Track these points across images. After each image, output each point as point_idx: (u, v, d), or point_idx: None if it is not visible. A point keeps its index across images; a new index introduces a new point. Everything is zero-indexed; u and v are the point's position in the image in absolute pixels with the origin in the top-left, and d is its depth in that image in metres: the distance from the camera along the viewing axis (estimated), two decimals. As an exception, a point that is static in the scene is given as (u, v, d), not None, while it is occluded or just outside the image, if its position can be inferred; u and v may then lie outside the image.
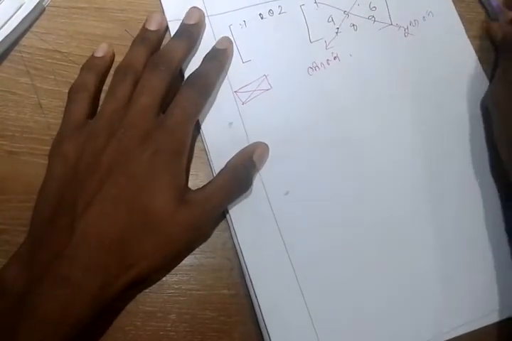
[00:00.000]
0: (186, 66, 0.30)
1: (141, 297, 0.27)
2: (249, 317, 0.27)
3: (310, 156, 0.29)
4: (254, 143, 0.29)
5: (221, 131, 0.29)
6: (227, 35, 0.30)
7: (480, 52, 0.32)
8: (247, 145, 0.29)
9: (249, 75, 0.30)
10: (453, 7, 0.33)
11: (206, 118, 0.29)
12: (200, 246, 0.28)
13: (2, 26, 0.29)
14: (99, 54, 0.30)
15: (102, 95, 0.30)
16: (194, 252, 0.28)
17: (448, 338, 0.28)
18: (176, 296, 0.28)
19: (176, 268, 0.28)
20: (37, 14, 0.31)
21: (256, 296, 0.27)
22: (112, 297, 0.24)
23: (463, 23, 0.33)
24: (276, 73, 0.30)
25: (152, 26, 0.30)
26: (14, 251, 0.25)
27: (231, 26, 0.31)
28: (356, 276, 0.28)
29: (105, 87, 0.30)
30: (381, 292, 0.28)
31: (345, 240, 0.28)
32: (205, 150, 0.29)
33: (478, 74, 0.32)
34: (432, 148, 0.30)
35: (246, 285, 0.27)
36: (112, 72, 0.30)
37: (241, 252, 0.27)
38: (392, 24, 0.32)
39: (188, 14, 0.30)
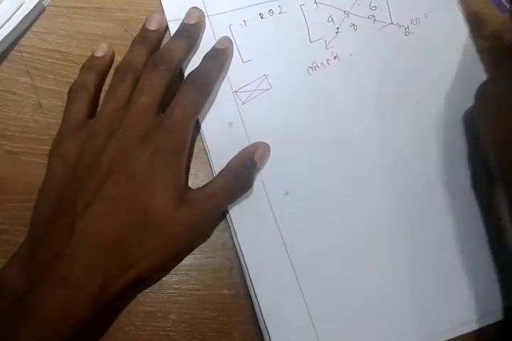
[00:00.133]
0: (186, 65, 0.30)
1: (141, 297, 0.27)
2: (249, 317, 0.27)
3: (310, 156, 0.29)
4: (256, 143, 0.29)
5: (221, 131, 0.29)
6: (227, 35, 0.30)
7: (481, 50, 0.32)
8: (247, 145, 0.29)
9: (249, 75, 0.30)
10: (454, 5, 0.33)
11: (206, 118, 0.29)
12: (200, 246, 0.28)
13: (2, 26, 0.29)
14: (99, 54, 0.30)
15: (102, 95, 0.30)
16: (194, 252, 0.28)
17: (448, 338, 0.28)
18: (176, 296, 0.28)
19: (175, 268, 0.28)
20: (37, 14, 0.31)
21: (256, 296, 0.27)
22: (112, 297, 0.24)
23: (464, 21, 0.32)
24: (276, 73, 0.30)
25: (152, 26, 0.29)
26: (14, 251, 0.25)
27: (231, 26, 0.31)
28: (356, 276, 0.28)
29: (105, 87, 0.30)
30: (381, 292, 0.28)
31: (345, 240, 0.28)
32: (205, 150, 0.29)
33: (479, 73, 0.32)
34: (433, 147, 0.30)
35: (246, 285, 0.27)
36: (111, 71, 0.30)
37: (241, 252, 0.27)
38: (392, 23, 0.32)
39: (188, 14, 0.30)
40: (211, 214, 0.27)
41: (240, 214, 0.28)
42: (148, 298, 0.27)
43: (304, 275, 0.27)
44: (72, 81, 0.29)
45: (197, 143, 0.30)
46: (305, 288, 0.27)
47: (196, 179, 0.29)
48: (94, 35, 0.31)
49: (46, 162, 0.27)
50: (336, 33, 0.31)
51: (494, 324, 0.28)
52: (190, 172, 0.29)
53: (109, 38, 0.31)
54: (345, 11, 0.32)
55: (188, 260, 0.28)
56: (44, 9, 0.31)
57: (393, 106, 0.31)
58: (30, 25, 0.30)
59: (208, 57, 0.29)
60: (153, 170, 0.25)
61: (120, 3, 0.31)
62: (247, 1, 0.31)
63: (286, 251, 0.28)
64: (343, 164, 0.29)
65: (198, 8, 0.30)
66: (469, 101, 0.29)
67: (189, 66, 0.30)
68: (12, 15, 0.29)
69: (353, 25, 0.32)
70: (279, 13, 0.31)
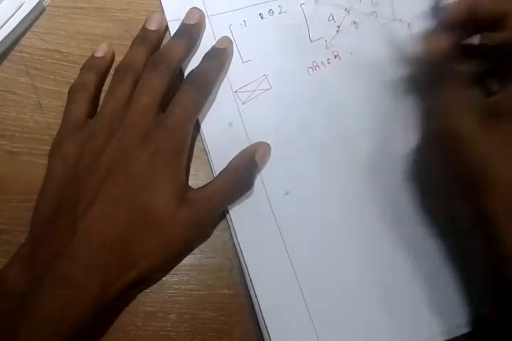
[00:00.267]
0: (186, 65, 0.30)
1: (141, 297, 0.27)
2: (249, 317, 0.27)
3: (310, 156, 0.29)
4: (256, 143, 0.29)
5: (221, 131, 0.29)
6: (227, 35, 0.30)
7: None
8: (247, 145, 0.29)
9: (249, 75, 0.30)
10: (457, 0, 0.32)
11: (206, 118, 0.29)
12: (200, 246, 0.28)
13: (2, 26, 0.29)
14: (99, 54, 0.30)
15: (102, 95, 0.30)
16: (194, 252, 0.28)
17: (447, 338, 0.28)
18: (176, 296, 0.28)
19: (175, 268, 0.28)
20: (37, 14, 0.31)
21: (256, 296, 0.27)
22: (113, 297, 0.24)
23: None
24: (276, 73, 0.30)
25: (152, 26, 0.30)
26: (14, 251, 0.25)
27: (231, 26, 0.31)
28: (356, 276, 0.28)
29: (105, 87, 0.30)
30: (381, 292, 0.28)
31: (346, 240, 0.28)
32: (205, 150, 0.29)
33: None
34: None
35: (246, 285, 0.27)
36: (112, 71, 0.30)
37: (241, 252, 0.27)
38: (395, 19, 0.32)
39: (188, 14, 0.30)
40: (212, 214, 0.27)
41: (240, 214, 0.28)
42: (149, 298, 0.28)
43: (304, 275, 0.27)
44: (72, 81, 0.29)
45: (197, 143, 0.30)
46: (305, 288, 0.27)
47: (196, 179, 0.29)
48: (94, 35, 0.31)
49: (46, 162, 0.27)
50: (337, 31, 0.31)
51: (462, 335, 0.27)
52: (190, 173, 0.29)
53: (109, 38, 0.31)
54: (346, 9, 0.31)
55: (188, 260, 0.28)
56: (44, 9, 0.31)
57: (395, 105, 0.30)
58: (30, 26, 0.31)
59: (208, 57, 0.29)
60: (153, 170, 0.25)
61: (120, 3, 0.31)
62: (247, 1, 0.31)
63: (286, 251, 0.28)
64: (343, 164, 0.29)
65: (198, 9, 0.30)
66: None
67: (189, 66, 0.30)
68: (12, 16, 0.29)
69: (354, 22, 0.31)
70: (279, 13, 0.31)
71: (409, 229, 0.29)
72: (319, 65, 0.31)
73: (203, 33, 0.30)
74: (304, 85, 0.30)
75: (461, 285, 0.28)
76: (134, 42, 0.29)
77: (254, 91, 0.30)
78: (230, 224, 0.28)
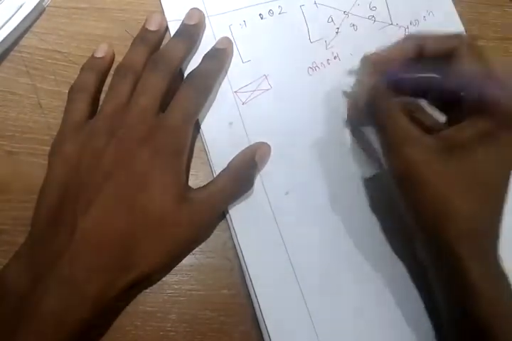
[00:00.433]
0: (186, 65, 0.30)
1: (141, 297, 0.27)
2: (249, 317, 0.27)
3: (310, 156, 0.29)
4: (256, 143, 0.29)
5: (221, 131, 0.29)
6: (227, 35, 0.30)
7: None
8: (247, 145, 0.29)
9: (249, 75, 0.30)
10: (453, 7, 0.33)
11: (206, 118, 0.29)
12: (200, 246, 0.28)
13: (2, 26, 0.29)
14: (99, 54, 0.30)
15: (102, 95, 0.30)
16: (194, 252, 0.28)
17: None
18: (176, 296, 0.28)
19: (176, 268, 0.28)
20: (37, 14, 0.31)
21: (256, 296, 0.27)
22: (113, 297, 0.24)
23: (463, 22, 0.33)
24: (276, 73, 0.30)
25: (152, 26, 0.30)
26: (14, 251, 0.25)
27: (231, 26, 0.31)
28: (356, 277, 0.28)
29: (105, 88, 0.30)
30: (381, 292, 0.28)
31: (346, 240, 0.28)
32: (205, 150, 0.29)
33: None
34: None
35: (246, 285, 0.27)
36: (112, 72, 0.30)
37: (241, 252, 0.27)
38: (392, 24, 0.32)
39: (188, 15, 0.30)
40: (211, 214, 0.27)
41: (239, 214, 0.28)
42: (149, 298, 0.28)
43: (304, 275, 0.27)
44: (72, 81, 0.29)
45: (197, 144, 0.30)
46: (305, 288, 0.27)
47: (196, 179, 0.29)
48: (94, 35, 0.31)
49: (46, 162, 0.27)
50: (336, 33, 0.31)
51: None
52: (190, 173, 0.29)
53: (109, 39, 0.31)
54: (345, 12, 0.32)
55: (188, 260, 0.28)
56: (44, 10, 0.31)
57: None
58: (30, 26, 0.31)
59: (208, 57, 0.29)
60: (153, 170, 0.25)
61: (120, 3, 0.31)
62: (247, 1, 0.31)
63: (286, 251, 0.28)
64: (343, 164, 0.29)
65: (198, 9, 0.30)
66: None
67: (189, 66, 0.30)
68: (12, 16, 0.29)
69: (353, 25, 0.32)
70: (279, 13, 0.31)
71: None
72: (319, 66, 0.31)
73: (203, 33, 0.30)
74: (303, 85, 0.30)
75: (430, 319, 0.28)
76: (133, 42, 0.29)
77: (254, 91, 0.30)
78: (230, 224, 0.28)
